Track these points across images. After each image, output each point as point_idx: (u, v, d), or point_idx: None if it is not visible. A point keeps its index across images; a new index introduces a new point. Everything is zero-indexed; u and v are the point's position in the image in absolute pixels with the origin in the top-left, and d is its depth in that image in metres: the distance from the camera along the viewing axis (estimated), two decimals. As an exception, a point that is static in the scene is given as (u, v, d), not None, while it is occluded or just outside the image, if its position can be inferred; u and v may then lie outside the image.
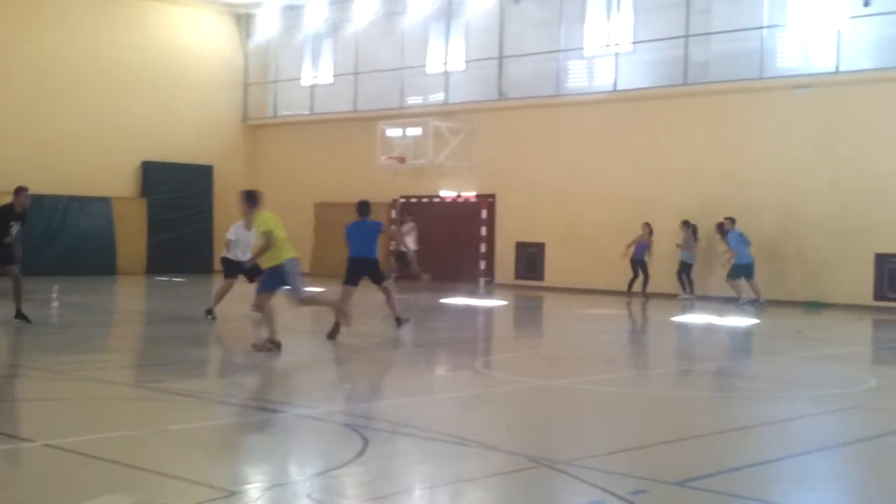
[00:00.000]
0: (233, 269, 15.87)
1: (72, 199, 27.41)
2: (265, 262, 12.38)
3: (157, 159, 29.68)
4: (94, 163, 28.23)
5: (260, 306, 12.37)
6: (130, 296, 23.04)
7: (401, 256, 24.46)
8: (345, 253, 14.53)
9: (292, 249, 12.46)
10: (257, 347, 12.06)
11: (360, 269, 14.28)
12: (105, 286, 24.34)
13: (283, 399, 9.37)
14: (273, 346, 11.99)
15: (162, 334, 14.98)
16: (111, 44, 28.92)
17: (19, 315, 14.44)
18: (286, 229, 12.53)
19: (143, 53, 29.58)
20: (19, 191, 14.62)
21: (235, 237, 15.97)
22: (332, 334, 13.25)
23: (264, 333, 12.38)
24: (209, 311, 15.75)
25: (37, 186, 26.77)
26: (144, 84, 29.47)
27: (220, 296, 16.08)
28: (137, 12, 29.53)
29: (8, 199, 14.74)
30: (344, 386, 10.30)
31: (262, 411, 8.68)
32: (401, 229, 24.69)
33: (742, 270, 21.11)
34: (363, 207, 14.89)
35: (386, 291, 14.83)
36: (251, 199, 13.16)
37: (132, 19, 29.44)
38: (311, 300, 13.69)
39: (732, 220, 21.41)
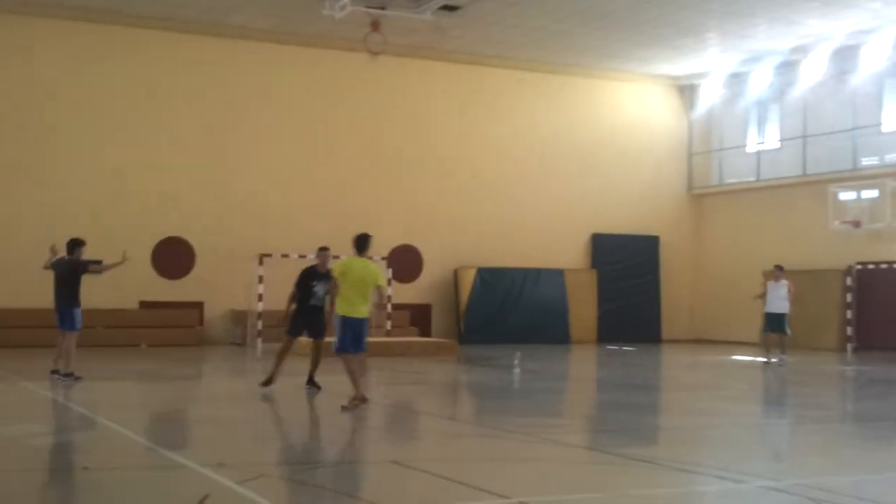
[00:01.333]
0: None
1: (529, 272, 29.07)
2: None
3: (605, 231, 30.70)
4: (549, 237, 29.81)
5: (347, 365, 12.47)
6: (585, 363, 23.86)
7: None
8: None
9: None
10: (346, 408, 12.22)
11: None
12: (560, 354, 25.41)
13: (744, 469, 9.27)
14: (360, 402, 12.29)
15: (616, 400, 15.37)
16: (565, 123, 30.52)
17: (311, 382, 14.56)
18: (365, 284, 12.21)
19: (593, 130, 30.88)
20: (321, 250, 14.76)
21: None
22: None
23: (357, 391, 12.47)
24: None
25: (498, 260, 29.00)
26: (594, 159, 30.74)
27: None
28: (587, 92, 30.91)
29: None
30: (806, 458, 9.98)
31: (723, 480, 8.66)
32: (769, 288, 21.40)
33: None
34: None
35: None
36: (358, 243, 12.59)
37: (583, 98, 30.87)
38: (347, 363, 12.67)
39: None
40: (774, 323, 20.89)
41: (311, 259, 25.33)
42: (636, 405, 14.45)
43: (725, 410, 14.31)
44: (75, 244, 15.67)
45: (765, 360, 20.53)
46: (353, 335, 12.34)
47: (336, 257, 14.95)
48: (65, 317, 15.39)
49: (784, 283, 21.08)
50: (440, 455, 9.92)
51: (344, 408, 12.18)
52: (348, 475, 8.69)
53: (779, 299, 20.88)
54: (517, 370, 19.09)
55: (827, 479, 8.64)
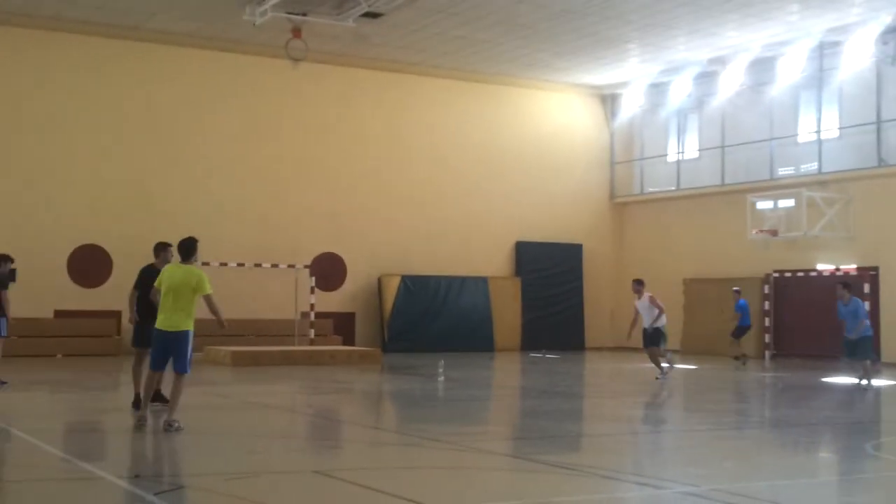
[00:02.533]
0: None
1: (453, 279, 29.12)
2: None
3: (529, 239, 30.89)
4: (474, 244, 29.94)
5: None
6: (508, 371, 23.93)
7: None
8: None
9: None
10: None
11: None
12: (484, 362, 25.46)
13: (663, 475, 9.37)
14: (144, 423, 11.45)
15: (539, 408, 15.44)
16: (489, 132, 30.71)
17: (158, 397, 13.04)
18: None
19: (517, 139, 31.10)
20: (167, 247, 13.06)
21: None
22: None
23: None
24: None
25: (422, 268, 29.00)
26: (518, 168, 30.95)
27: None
28: (512, 99, 31.14)
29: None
30: (724, 464, 10.12)
31: (643, 486, 8.73)
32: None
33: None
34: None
35: None
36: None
37: (507, 107, 31.08)
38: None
39: None
40: (649, 339, 19.66)
41: (234, 267, 25.31)
42: (559, 412, 14.53)
43: (646, 417, 14.47)
44: (3, 259, 16.32)
45: (663, 370, 19.54)
46: (162, 350, 11.44)
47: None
48: None
49: (647, 296, 19.60)
50: (363, 464, 9.84)
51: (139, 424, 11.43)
52: (268, 485, 8.56)
53: (647, 315, 19.52)
54: (441, 378, 19.07)
55: (744, 484, 8.76)
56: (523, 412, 15.52)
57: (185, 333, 11.36)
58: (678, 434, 12.83)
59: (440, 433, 12.00)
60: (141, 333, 12.87)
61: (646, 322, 19.60)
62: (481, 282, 29.62)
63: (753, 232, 26.95)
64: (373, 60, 28.55)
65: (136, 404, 13.01)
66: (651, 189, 32.20)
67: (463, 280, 29.33)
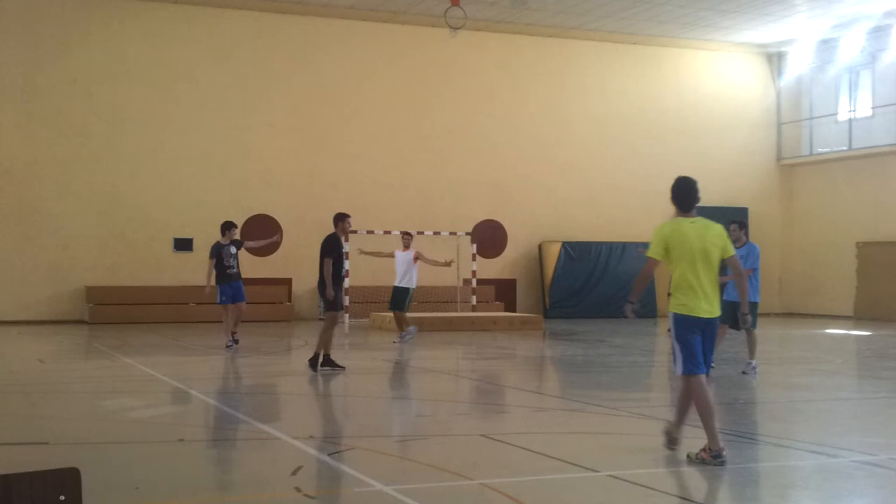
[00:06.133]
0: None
1: (614, 245, 28.87)
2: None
3: (692, 203, 30.27)
4: (634, 209, 29.51)
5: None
6: (667, 338, 23.59)
7: None
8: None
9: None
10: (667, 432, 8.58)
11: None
12: (646, 328, 25.20)
13: (839, 443, 9.11)
14: (672, 441, 8.34)
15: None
16: (650, 94, 30.22)
17: (330, 362, 13.84)
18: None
19: (679, 101, 30.49)
20: (346, 217, 14.09)
21: None
22: None
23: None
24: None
25: (583, 234, 28.87)
26: (679, 130, 30.36)
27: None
28: (672, 62, 30.52)
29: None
30: (903, 434, 9.78)
31: (817, 455, 8.53)
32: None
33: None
34: None
35: None
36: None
37: (667, 69, 30.49)
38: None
39: None
40: (395, 299, 18.45)
41: (396, 236, 25.75)
42: (725, 379, 14.27)
43: (819, 384, 14.08)
44: (228, 226, 17.68)
45: (403, 335, 18.37)
46: (704, 345, 7.97)
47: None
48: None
49: (413, 252, 18.31)
50: (528, 428, 9.94)
51: (701, 458, 8.01)
52: (437, 448, 8.76)
53: (403, 271, 18.17)
54: (603, 344, 18.96)
55: (925, 454, 8.45)
56: (689, 379, 15.28)
57: (718, 319, 8.04)
58: (852, 402, 12.44)
59: (603, 399, 11.99)
60: (336, 298, 13.77)
61: (398, 279, 18.27)
62: (643, 247, 29.23)
63: (933, 192, 25.73)
64: (531, 26, 28.44)
65: (313, 363, 13.76)
66: (821, 149, 31.03)
67: (624, 246, 29.04)
